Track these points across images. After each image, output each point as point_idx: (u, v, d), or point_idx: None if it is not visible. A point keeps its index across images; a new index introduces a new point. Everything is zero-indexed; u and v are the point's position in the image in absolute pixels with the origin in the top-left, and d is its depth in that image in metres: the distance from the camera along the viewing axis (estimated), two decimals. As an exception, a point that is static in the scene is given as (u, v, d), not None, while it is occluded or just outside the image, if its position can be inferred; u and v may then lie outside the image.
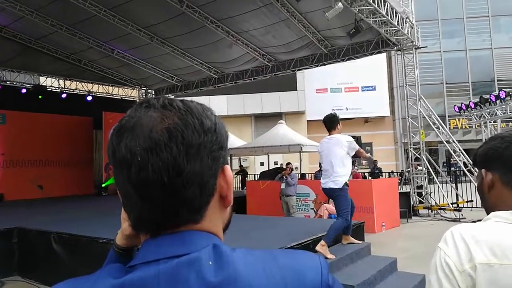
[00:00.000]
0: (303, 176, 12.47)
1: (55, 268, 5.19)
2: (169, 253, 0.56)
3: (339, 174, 4.84)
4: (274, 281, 0.56)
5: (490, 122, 9.81)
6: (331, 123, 5.02)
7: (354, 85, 25.09)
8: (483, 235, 0.98)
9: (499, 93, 8.60)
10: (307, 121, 24.31)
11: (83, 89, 14.87)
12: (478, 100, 9.36)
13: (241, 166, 18.39)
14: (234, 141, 15.37)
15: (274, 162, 17.31)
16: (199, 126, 0.58)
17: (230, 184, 0.64)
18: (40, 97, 13.08)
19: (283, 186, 9.51)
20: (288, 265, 0.58)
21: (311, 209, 9.87)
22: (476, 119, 9.97)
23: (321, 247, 4.52)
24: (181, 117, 0.58)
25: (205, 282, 0.53)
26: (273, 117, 21.46)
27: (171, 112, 0.58)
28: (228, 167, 0.64)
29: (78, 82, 14.71)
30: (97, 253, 4.57)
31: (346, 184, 4.84)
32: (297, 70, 13.70)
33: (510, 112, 8.79)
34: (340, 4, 8.09)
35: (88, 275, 0.60)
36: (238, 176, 17.01)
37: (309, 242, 4.75)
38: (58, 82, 14.39)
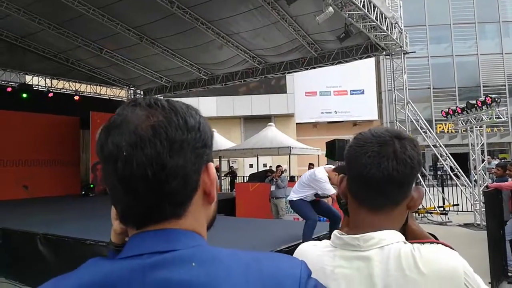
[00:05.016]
0: (292, 178, 12.49)
1: (40, 270, 5.10)
2: (153, 248, 0.58)
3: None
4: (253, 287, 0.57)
5: (476, 127, 9.98)
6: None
7: (343, 89, 25.29)
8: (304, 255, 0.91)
9: (485, 99, 8.76)
10: (296, 123, 24.40)
11: (71, 89, 14.67)
12: (465, 105, 9.52)
13: (231, 167, 18.34)
14: (223, 142, 15.33)
15: (263, 164, 17.32)
16: (183, 124, 0.61)
17: (214, 181, 0.66)
18: (24, 95, 12.85)
19: (273, 188, 9.53)
20: (269, 271, 0.59)
21: (300, 211, 9.88)
22: (462, 124, 10.13)
23: None
24: (165, 115, 0.60)
25: (186, 282, 0.55)
26: (263, 119, 21.46)
27: (156, 111, 0.61)
28: (212, 164, 0.66)
29: (65, 82, 14.50)
30: (84, 254, 4.50)
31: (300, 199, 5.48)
32: (287, 73, 13.74)
33: (495, 118, 8.96)
34: (330, 9, 8.15)
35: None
36: (227, 177, 16.96)
37: (297, 244, 4.75)
38: (45, 81, 14.17)
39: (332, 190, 5.17)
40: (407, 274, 0.80)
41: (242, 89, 22.71)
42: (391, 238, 0.86)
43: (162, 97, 0.69)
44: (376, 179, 0.87)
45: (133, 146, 0.58)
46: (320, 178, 5.21)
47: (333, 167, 5.47)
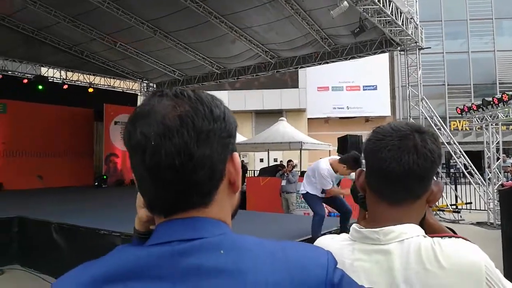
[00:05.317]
0: (303, 173, 12.46)
1: (55, 258, 5.20)
2: (181, 236, 0.59)
3: None
4: (280, 276, 0.57)
5: (491, 124, 9.82)
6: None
7: (355, 84, 25.04)
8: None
9: (501, 96, 8.60)
10: (308, 118, 24.29)
11: (85, 81, 14.85)
12: (481, 102, 9.36)
13: (242, 161, 18.33)
14: (234, 137, 15.33)
15: (274, 159, 17.31)
16: (209, 114, 0.61)
17: (239, 170, 0.66)
18: (40, 87, 13.05)
19: (284, 183, 9.53)
20: (296, 260, 0.60)
21: (310, 206, 9.87)
22: (477, 121, 9.97)
23: None
24: (192, 105, 0.61)
25: (215, 269, 0.56)
26: (274, 114, 21.41)
27: (182, 101, 0.61)
28: (236, 154, 0.67)
29: (80, 74, 14.68)
30: (97, 244, 4.59)
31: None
32: (300, 68, 13.66)
33: (512, 115, 8.81)
34: (345, 3, 8.07)
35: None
36: (238, 171, 17.01)
37: (308, 239, 4.77)
38: (60, 73, 14.36)
39: (328, 186, 5.23)
40: (428, 268, 0.80)
41: (254, 83, 22.67)
42: (411, 232, 0.85)
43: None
44: (397, 173, 0.86)
45: (161, 136, 0.58)
46: (322, 173, 5.25)
47: (338, 157, 5.45)
